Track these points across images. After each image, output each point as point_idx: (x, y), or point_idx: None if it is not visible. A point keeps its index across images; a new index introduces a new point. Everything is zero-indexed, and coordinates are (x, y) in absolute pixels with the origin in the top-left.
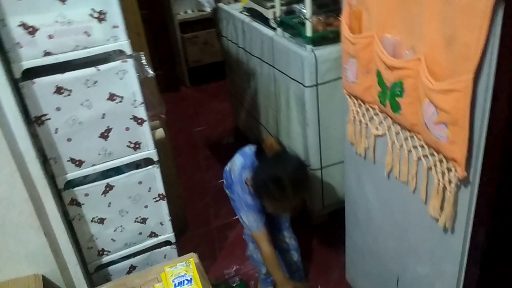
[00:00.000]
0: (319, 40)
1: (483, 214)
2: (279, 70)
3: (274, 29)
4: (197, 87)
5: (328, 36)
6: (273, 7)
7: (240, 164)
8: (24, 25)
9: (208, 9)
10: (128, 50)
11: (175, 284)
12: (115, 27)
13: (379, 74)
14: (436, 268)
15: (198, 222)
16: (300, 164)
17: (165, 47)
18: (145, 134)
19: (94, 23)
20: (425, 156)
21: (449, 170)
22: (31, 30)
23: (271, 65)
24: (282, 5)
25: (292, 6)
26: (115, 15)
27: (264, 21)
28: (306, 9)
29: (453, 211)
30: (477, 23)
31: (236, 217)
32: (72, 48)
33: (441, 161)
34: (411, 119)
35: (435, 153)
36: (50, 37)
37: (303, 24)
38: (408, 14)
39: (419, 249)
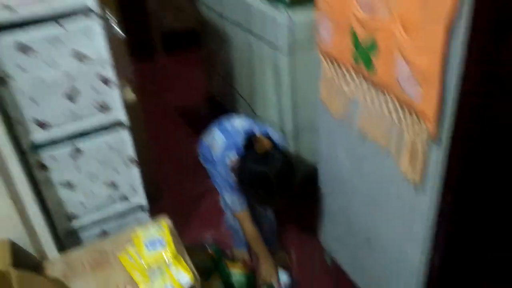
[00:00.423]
0: (294, 3)
1: (453, 171)
2: (255, 35)
3: None
4: (171, 54)
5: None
6: None
7: (222, 144)
8: None
9: None
10: (94, 6)
11: (146, 246)
12: None
13: (353, 33)
14: (407, 227)
15: (172, 190)
16: (288, 163)
17: (138, 11)
18: (114, 96)
19: None
20: (397, 114)
21: (420, 127)
22: None
23: (247, 31)
24: None
25: None
26: None
27: None
28: None
29: (424, 168)
30: None
31: (211, 185)
32: (35, 2)
33: (413, 119)
34: (384, 77)
35: (407, 111)
36: None
37: None
38: None
39: (391, 209)
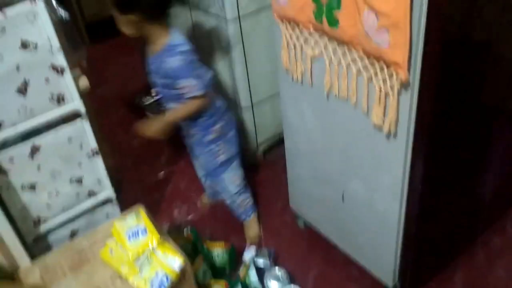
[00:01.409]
0: None
1: (424, 116)
2: (197, 10)
3: None
4: (98, 43)
5: None
6: None
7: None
8: None
9: None
10: None
11: (128, 236)
12: None
13: None
14: (381, 178)
15: (129, 180)
16: None
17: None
18: (68, 85)
19: None
20: (365, 67)
21: (390, 76)
22: None
23: (186, 6)
24: None
25: None
26: None
27: None
28: None
29: (396, 115)
30: None
31: (169, 171)
32: None
33: (381, 69)
34: (350, 31)
35: (375, 62)
36: None
37: None
38: None
39: (364, 162)
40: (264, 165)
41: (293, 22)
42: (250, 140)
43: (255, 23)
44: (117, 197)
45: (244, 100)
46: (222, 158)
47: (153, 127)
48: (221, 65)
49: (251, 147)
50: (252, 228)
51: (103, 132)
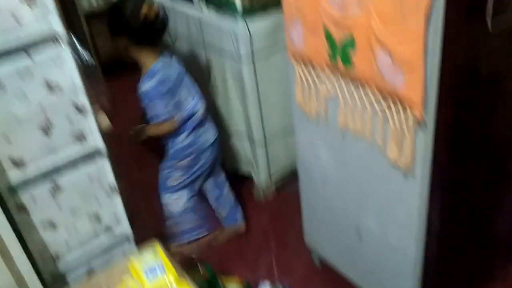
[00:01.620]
0: (248, 11)
1: (440, 153)
2: (212, 50)
3: (197, 7)
4: (112, 81)
5: (256, 7)
6: None
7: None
8: None
9: None
10: (63, 35)
11: (146, 274)
12: (46, 11)
13: (327, 32)
14: (398, 215)
15: (141, 213)
16: None
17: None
18: (90, 124)
19: (24, 8)
20: (380, 105)
21: (405, 113)
22: None
23: (201, 45)
24: None
25: None
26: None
27: (185, 0)
28: None
29: (412, 153)
30: None
31: None
32: (1, 33)
33: (396, 107)
34: (364, 71)
35: (390, 101)
36: None
37: None
38: None
39: (380, 199)
40: (276, 199)
41: (307, 61)
42: (262, 174)
43: (268, 61)
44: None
45: (257, 134)
46: (173, 182)
47: (138, 135)
48: (234, 101)
49: (264, 180)
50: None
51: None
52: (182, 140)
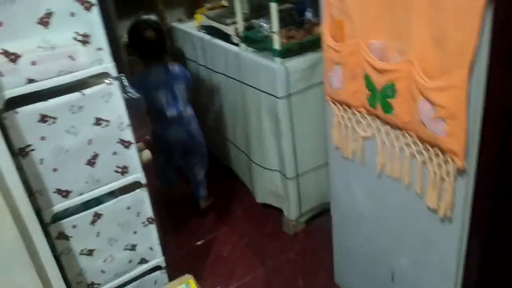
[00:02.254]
0: (285, 52)
1: (480, 201)
2: (248, 85)
3: (236, 44)
4: None
5: (293, 48)
6: (233, 23)
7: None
8: (5, 53)
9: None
10: (113, 72)
11: None
12: (99, 49)
13: (367, 78)
14: (435, 261)
15: (173, 245)
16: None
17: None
18: (133, 157)
19: (78, 47)
20: (419, 151)
21: (445, 161)
22: (13, 58)
23: (237, 80)
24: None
25: (251, 21)
26: (99, 37)
27: (225, 37)
28: (273, 22)
29: (452, 200)
30: (469, 24)
31: (213, 234)
32: (56, 73)
33: (436, 154)
34: (404, 118)
35: (429, 147)
36: (33, 63)
37: (268, 37)
38: (393, 19)
39: (416, 244)
40: (306, 233)
41: (345, 104)
42: (293, 207)
43: (304, 98)
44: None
45: (289, 168)
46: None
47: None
48: (268, 134)
49: (294, 214)
50: None
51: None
52: (156, 127)
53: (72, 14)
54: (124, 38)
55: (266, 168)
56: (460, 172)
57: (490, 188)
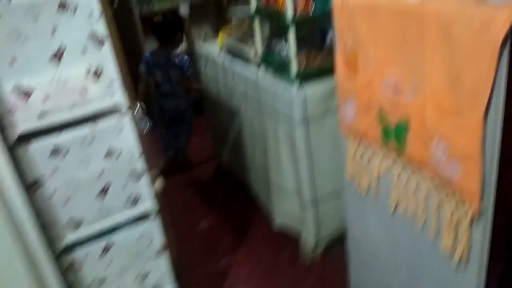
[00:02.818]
0: (304, 76)
1: (498, 245)
2: (266, 108)
3: (256, 67)
4: None
5: (312, 72)
6: (253, 46)
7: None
8: (18, 89)
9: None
10: (125, 105)
11: None
12: (111, 82)
13: (381, 113)
14: None
15: (190, 267)
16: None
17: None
18: (145, 187)
19: (90, 81)
20: (435, 191)
21: (462, 202)
22: (26, 93)
23: (256, 103)
24: (262, 43)
25: (272, 43)
26: (111, 70)
27: (245, 59)
28: (291, 48)
29: (468, 243)
30: (484, 64)
31: (229, 260)
32: (68, 107)
33: (453, 195)
34: (419, 156)
35: (446, 188)
36: (46, 98)
37: (287, 61)
38: (407, 54)
39: (431, 284)
40: (323, 261)
41: (360, 137)
42: (311, 234)
43: (322, 124)
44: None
45: (307, 195)
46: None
47: None
48: (285, 160)
49: (312, 241)
50: None
51: (169, 215)
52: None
53: (85, 49)
54: None
55: (284, 191)
56: (477, 214)
57: (509, 233)
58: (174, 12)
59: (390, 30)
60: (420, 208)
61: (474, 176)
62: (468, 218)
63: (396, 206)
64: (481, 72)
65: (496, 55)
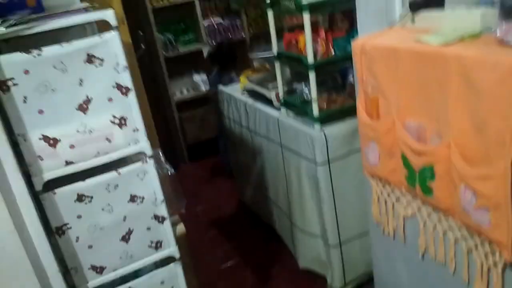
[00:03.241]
0: (325, 118)
1: None
2: (288, 149)
3: (278, 109)
4: (196, 163)
5: (333, 114)
6: (275, 88)
7: None
8: (45, 138)
9: (203, 89)
10: (148, 151)
11: None
12: (135, 130)
13: (404, 158)
14: None
15: None
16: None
17: (163, 127)
18: (167, 232)
19: (115, 129)
20: (464, 237)
21: (493, 251)
22: (52, 143)
23: (278, 144)
24: (284, 85)
25: (293, 85)
26: (135, 119)
27: (267, 101)
28: (312, 90)
29: None
30: (509, 112)
31: None
32: (94, 155)
33: (483, 243)
34: (446, 202)
35: (476, 236)
36: (72, 147)
37: (308, 102)
38: (429, 100)
39: None
40: None
41: (384, 181)
42: (336, 276)
43: (344, 164)
44: None
45: (331, 236)
46: None
47: None
48: (309, 200)
49: (338, 283)
50: None
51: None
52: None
53: (110, 99)
54: (176, 95)
55: (308, 233)
56: (509, 264)
57: None
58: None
59: (410, 74)
60: (450, 254)
61: (504, 225)
62: (500, 266)
63: (424, 251)
64: (508, 119)
65: None
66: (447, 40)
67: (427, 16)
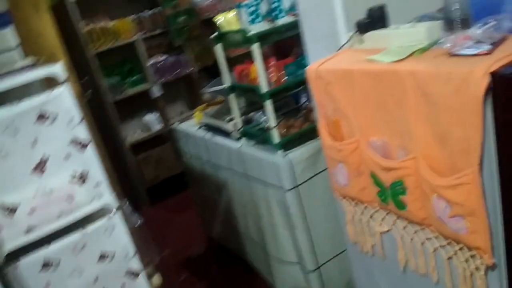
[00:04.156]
0: (286, 143)
1: None
2: (254, 179)
3: (237, 140)
4: (159, 204)
5: (293, 139)
6: (231, 120)
7: None
8: (2, 207)
9: (156, 128)
10: (114, 204)
11: None
12: (98, 184)
13: (374, 175)
14: None
15: None
16: None
17: (120, 173)
18: (143, 286)
19: (76, 186)
20: (443, 246)
21: (473, 257)
22: (10, 210)
23: (243, 175)
24: (240, 116)
25: (250, 115)
26: (96, 172)
27: (225, 134)
28: (269, 118)
29: None
30: (471, 120)
31: None
32: (56, 217)
33: (462, 249)
34: (420, 214)
35: (455, 244)
36: (31, 212)
37: (267, 130)
38: (389, 116)
39: None
40: None
41: (356, 200)
42: None
43: (311, 187)
44: None
45: (309, 262)
46: None
47: None
48: (281, 228)
49: None
50: None
51: None
52: None
53: (68, 156)
54: (129, 139)
55: (285, 262)
56: (491, 267)
57: None
58: None
59: (368, 94)
60: (430, 263)
61: (481, 231)
62: (482, 270)
63: (405, 265)
64: (468, 128)
65: (480, 109)
66: (398, 57)
67: (374, 36)
